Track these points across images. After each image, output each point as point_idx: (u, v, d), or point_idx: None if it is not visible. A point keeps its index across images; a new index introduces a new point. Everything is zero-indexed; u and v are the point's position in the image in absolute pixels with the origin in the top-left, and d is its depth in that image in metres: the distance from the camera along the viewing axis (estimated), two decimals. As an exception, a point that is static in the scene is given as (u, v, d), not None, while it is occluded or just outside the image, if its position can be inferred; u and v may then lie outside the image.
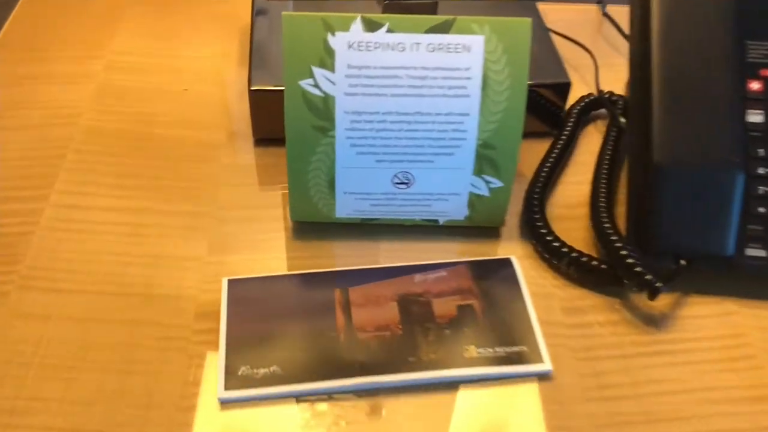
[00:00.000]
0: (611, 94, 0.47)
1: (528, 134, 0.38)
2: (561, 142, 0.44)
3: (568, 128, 0.45)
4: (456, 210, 0.39)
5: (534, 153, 0.44)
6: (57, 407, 0.32)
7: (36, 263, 0.37)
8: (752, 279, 0.37)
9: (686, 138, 0.36)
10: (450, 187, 0.38)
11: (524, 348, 0.34)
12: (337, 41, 0.34)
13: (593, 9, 0.57)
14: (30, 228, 0.39)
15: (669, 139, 0.36)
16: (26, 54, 0.51)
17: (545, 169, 0.42)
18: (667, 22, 0.38)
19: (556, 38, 0.49)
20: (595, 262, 0.37)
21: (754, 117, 0.38)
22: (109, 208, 0.40)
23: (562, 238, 0.39)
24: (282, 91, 0.41)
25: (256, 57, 0.44)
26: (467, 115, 0.36)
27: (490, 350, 0.34)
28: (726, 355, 0.35)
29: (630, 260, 0.36)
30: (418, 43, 0.34)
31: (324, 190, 0.38)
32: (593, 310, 0.37)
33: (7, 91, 0.48)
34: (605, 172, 0.42)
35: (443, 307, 0.36)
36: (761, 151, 0.37)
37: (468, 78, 0.35)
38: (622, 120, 0.45)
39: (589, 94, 0.47)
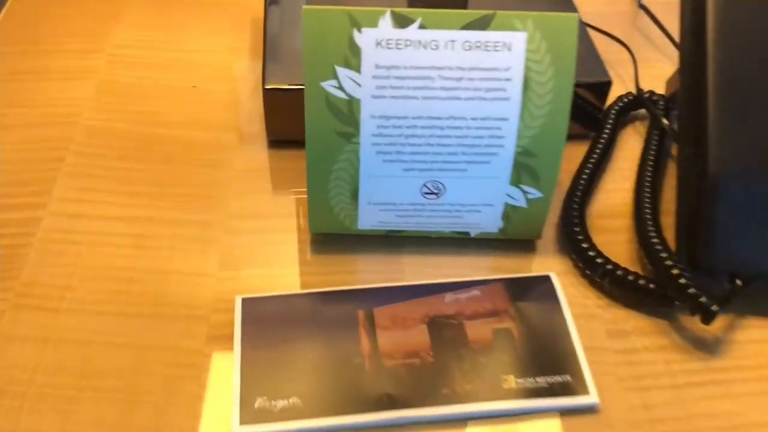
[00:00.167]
0: (651, 93, 0.44)
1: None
2: (600, 145, 0.41)
3: (607, 131, 0.42)
4: (489, 222, 0.36)
5: (570, 157, 0.40)
6: (55, 443, 0.29)
7: (32, 279, 0.34)
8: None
9: (746, 147, 0.33)
10: (484, 197, 0.35)
11: (568, 378, 0.31)
12: (363, 38, 0.31)
13: (627, 0, 0.53)
14: (26, 240, 0.36)
15: (726, 147, 0.33)
16: (20, 47, 0.47)
17: (584, 176, 0.39)
18: (725, 16, 0.35)
19: (589, 32, 0.46)
20: (642, 281, 0.34)
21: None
22: (112, 218, 0.37)
23: (604, 252, 0.35)
24: (299, 89, 0.38)
25: (270, 51, 0.41)
26: (506, 120, 0.32)
27: (531, 380, 0.31)
28: (788, 385, 0.32)
29: (682, 280, 0.33)
30: (453, 41, 0.31)
31: (346, 201, 0.35)
32: (640, 334, 0.34)
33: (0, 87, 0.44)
34: (648, 179, 0.39)
35: (478, 330, 0.33)
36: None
37: (508, 79, 0.32)
38: (665, 122, 0.41)
39: (628, 94, 0.44)
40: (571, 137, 0.41)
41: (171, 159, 0.40)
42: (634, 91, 0.44)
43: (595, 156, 0.40)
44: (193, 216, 0.38)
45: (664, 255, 0.34)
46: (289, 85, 0.39)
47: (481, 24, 0.31)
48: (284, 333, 0.32)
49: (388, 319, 0.33)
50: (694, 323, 0.34)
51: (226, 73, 0.46)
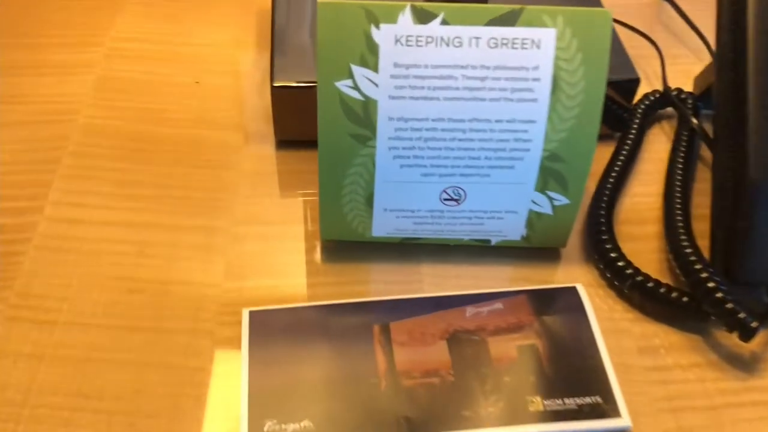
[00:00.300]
0: (679, 91, 0.42)
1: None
2: (626, 147, 0.39)
3: (633, 131, 0.39)
4: (512, 230, 0.34)
5: (594, 159, 0.38)
6: (50, 470, 0.27)
7: (27, 290, 0.32)
8: None
9: (789, 151, 0.31)
10: (507, 204, 0.32)
11: (598, 399, 0.29)
12: (381, 35, 0.29)
13: (650, -9, 0.51)
14: (20, 247, 0.34)
15: (769, 152, 0.31)
16: (14, 40, 0.45)
17: (611, 179, 0.37)
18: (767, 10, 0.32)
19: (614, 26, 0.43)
20: (675, 294, 0.32)
21: None
22: (111, 223, 0.35)
23: (633, 261, 0.33)
24: (309, 87, 0.36)
25: (279, 45, 0.39)
26: (533, 122, 0.30)
27: (559, 402, 0.29)
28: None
29: (719, 294, 0.31)
30: (477, 38, 0.29)
31: (360, 207, 0.32)
32: (673, 350, 0.32)
33: (-5, 82, 0.42)
34: (678, 183, 0.37)
35: (501, 347, 0.31)
36: None
37: (536, 79, 0.29)
38: (695, 121, 0.39)
39: (654, 92, 0.41)
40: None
41: (173, 160, 0.38)
42: (660, 88, 0.42)
43: (621, 158, 0.38)
44: (197, 221, 0.36)
45: (698, 267, 0.32)
46: (299, 82, 0.36)
47: (508, 20, 0.29)
48: (294, 349, 0.30)
49: (405, 334, 0.31)
50: (730, 339, 0.32)
51: (231, 67, 0.44)
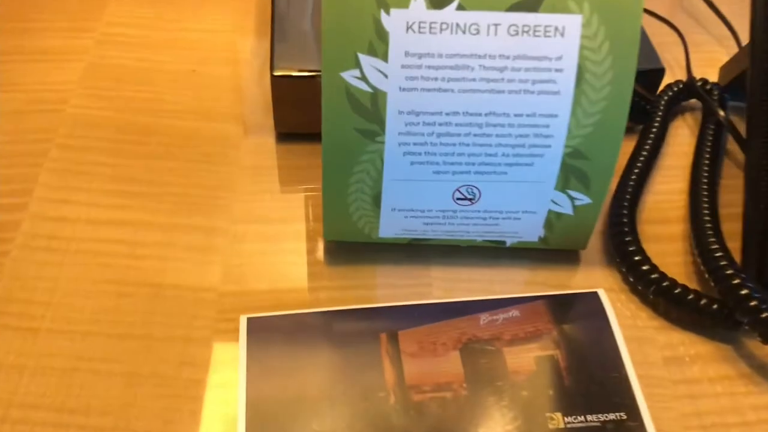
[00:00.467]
0: (704, 81, 0.39)
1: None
2: (649, 141, 0.36)
3: (656, 124, 0.37)
4: (529, 231, 0.31)
5: (616, 155, 0.36)
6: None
7: (8, 294, 0.30)
8: None
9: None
10: (525, 203, 0.30)
11: (623, 415, 0.27)
12: (392, 21, 0.26)
13: (671, -25, 0.49)
14: (2, 247, 0.32)
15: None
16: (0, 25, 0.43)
17: (633, 176, 0.35)
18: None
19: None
20: (704, 301, 0.30)
21: None
22: (101, 221, 0.33)
23: (658, 264, 0.31)
24: (312, 77, 0.34)
25: (279, 31, 0.36)
26: (555, 116, 0.28)
27: (581, 419, 0.27)
28: None
29: (753, 302, 0.28)
30: (497, 25, 0.26)
31: (367, 206, 0.30)
32: (701, 361, 0.30)
33: (-20, 69, 0.40)
34: (705, 179, 0.35)
35: (518, 358, 0.29)
36: None
37: (559, 70, 0.27)
38: (721, 113, 0.37)
39: (678, 82, 0.39)
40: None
41: (167, 154, 0.36)
42: (683, 78, 0.40)
43: (644, 152, 0.36)
44: (193, 220, 0.33)
45: (730, 272, 0.30)
46: (300, 71, 0.34)
47: (530, 5, 0.26)
48: (296, 360, 0.28)
49: (414, 343, 0.29)
50: (762, 349, 0.30)
51: (229, 55, 0.41)
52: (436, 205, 0.30)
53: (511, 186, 0.30)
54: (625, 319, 0.31)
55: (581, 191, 0.30)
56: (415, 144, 0.28)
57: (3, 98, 0.38)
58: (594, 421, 0.27)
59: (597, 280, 0.32)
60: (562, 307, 0.30)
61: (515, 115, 0.28)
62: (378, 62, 0.27)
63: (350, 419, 0.27)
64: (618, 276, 0.32)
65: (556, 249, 0.33)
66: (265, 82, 0.39)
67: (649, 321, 0.31)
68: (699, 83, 0.39)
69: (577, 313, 0.30)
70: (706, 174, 0.35)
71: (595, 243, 0.33)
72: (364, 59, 0.27)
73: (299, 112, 0.35)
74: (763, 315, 0.28)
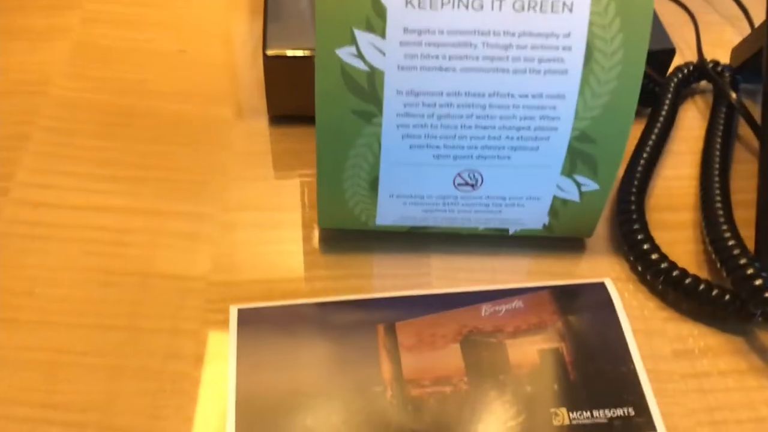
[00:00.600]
0: (715, 63, 0.38)
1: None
2: (658, 124, 0.35)
3: (665, 107, 0.36)
4: (533, 218, 0.30)
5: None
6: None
7: (-12, 283, 0.29)
8: None
9: None
10: (529, 189, 0.29)
11: (630, 411, 0.26)
12: (390, -6, 0.25)
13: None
14: (-18, 234, 0.30)
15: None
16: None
17: (642, 161, 0.33)
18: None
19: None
20: (716, 291, 0.29)
21: None
22: (85, 208, 0.32)
23: (667, 253, 0.30)
24: (306, 57, 0.32)
25: (273, 9, 0.35)
26: (562, 97, 0.26)
27: (587, 414, 0.26)
28: None
29: (768, 293, 0.27)
30: (501, 0, 0.25)
31: (364, 192, 0.29)
32: (712, 353, 0.29)
33: (-39, 49, 0.38)
34: (717, 165, 0.33)
35: (521, 351, 0.27)
36: None
37: (567, 48, 0.25)
38: (734, 96, 0.35)
39: (688, 64, 0.37)
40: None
41: (156, 137, 0.35)
42: (693, 60, 0.38)
43: (653, 137, 0.34)
44: (181, 206, 0.32)
45: (743, 261, 0.28)
46: (295, 50, 0.33)
47: (537, -23, 0.25)
48: (288, 352, 0.27)
49: (413, 336, 0.28)
50: (776, 342, 0.29)
51: (220, 34, 0.40)
52: (436, 191, 0.29)
53: (515, 171, 0.28)
54: (633, 310, 0.30)
55: (588, 176, 0.28)
56: (414, 126, 0.27)
57: (-16, 79, 0.37)
58: (600, 417, 0.26)
59: (604, 269, 0.31)
60: (568, 297, 0.29)
61: (520, 96, 0.26)
62: (375, 39, 0.25)
63: (345, 414, 0.25)
64: (625, 265, 0.31)
65: (561, 237, 0.31)
66: (259, 62, 0.38)
67: (657, 312, 0.30)
68: (710, 65, 0.38)
69: (582, 303, 0.29)
70: (717, 159, 0.34)
71: (601, 231, 0.32)
72: (361, 36, 0.25)
73: (293, 94, 0.34)
74: (778, 306, 0.27)
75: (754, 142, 0.36)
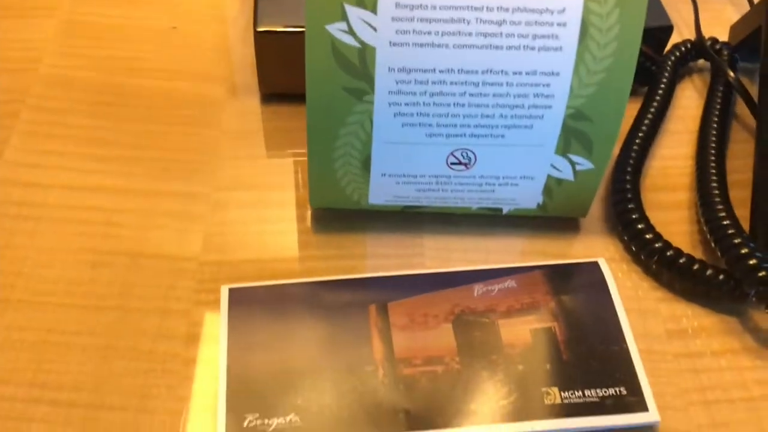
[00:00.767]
0: (713, 40, 0.37)
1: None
2: (654, 103, 0.34)
3: (662, 85, 0.35)
4: (527, 197, 0.30)
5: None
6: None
7: (-23, 263, 0.29)
8: None
9: None
10: (523, 168, 0.29)
11: (622, 390, 0.26)
12: (381, -32, 0.24)
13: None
14: (-29, 213, 0.30)
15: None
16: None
17: (637, 140, 0.33)
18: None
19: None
20: (710, 271, 0.29)
21: None
22: (75, 187, 0.31)
23: (662, 233, 0.30)
24: (298, 33, 0.32)
25: (264, -14, 0.34)
26: (557, 74, 0.26)
27: (578, 394, 0.26)
28: None
29: (762, 273, 0.27)
30: (494, -27, 0.24)
31: (356, 171, 0.29)
32: (705, 334, 0.29)
33: (-51, 26, 0.38)
34: (713, 144, 0.33)
35: (513, 331, 0.27)
36: None
37: (562, 24, 0.25)
38: (731, 74, 0.35)
39: (685, 41, 0.37)
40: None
41: (147, 116, 0.34)
42: (691, 37, 0.38)
43: (649, 116, 0.34)
44: (173, 186, 0.32)
45: (737, 241, 0.28)
46: (286, 26, 0.32)
47: (531, -49, 0.24)
48: (280, 332, 0.27)
49: (405, 315, 0.28)
50: (769, 322, 0.29)
51: (212, 11, 0.39)
52: (428, 170, 0.28)
53: (508, 150, 0.28)
54: (627, 290, 0.29)
55: (583, 155, 0.28)
56: (406, 104, 0.26)
57: (-28, 56, 0.36)
58: (592, 396, 0.26)
59: (597, 249, 0.31)
60: (561, 277, 0.29)
61: (514, 73, 0.26)
62: (366, 14, 0.25)
63: (336, 394, 0.25)
64: (620, 245, 0.31)
65: (555, 217, 0.31)
66: (250, 39, 0.37)
67: (651, 292, 0.30)
68: (708, 43, 0.37)
69: (576, 283, 0.29)
70: (714, 138, 0.33)
71: (596, 210, 0.32)
72: (352, 11, 0.25)
73: (285, 72, 0.33)
74: (773, 286, 0.27)
75: (752, 122, 0.35)
